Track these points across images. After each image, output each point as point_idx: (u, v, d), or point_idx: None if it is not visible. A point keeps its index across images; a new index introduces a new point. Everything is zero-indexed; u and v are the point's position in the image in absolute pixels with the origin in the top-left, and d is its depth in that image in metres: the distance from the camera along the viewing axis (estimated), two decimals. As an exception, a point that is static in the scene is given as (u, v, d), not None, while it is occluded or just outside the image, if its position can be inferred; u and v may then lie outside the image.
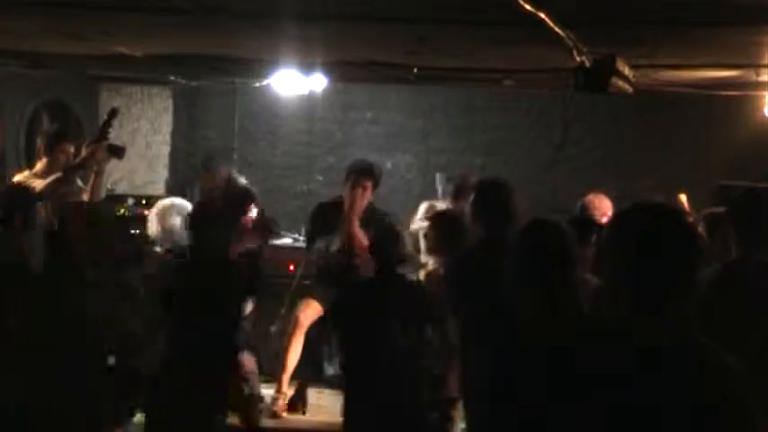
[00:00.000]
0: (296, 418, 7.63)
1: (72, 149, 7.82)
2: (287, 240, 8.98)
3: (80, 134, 10.30)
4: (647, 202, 2.97)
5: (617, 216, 3.08)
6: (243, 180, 8.82)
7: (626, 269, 2.83)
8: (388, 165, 11.32)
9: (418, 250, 8.26)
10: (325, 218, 7.56)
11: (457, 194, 8.45)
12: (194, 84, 10.64)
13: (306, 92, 10.01)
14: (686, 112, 10.25)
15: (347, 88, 11.09)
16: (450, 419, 6.38)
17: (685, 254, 2.83)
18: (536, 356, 3.09)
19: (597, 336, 2.87)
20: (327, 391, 8.21)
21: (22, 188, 6.95)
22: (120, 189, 10.90)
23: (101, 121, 7.76)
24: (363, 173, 7.52)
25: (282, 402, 7.71)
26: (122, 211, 10.22)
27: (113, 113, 7.71)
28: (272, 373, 7.94)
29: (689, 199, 7.69)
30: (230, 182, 8.43)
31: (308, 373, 8.19)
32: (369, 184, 7.47)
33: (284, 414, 7.67)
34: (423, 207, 9.16)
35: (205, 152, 8.74)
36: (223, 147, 11.45)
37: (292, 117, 11.42)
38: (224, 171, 8.44)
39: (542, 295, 4.17)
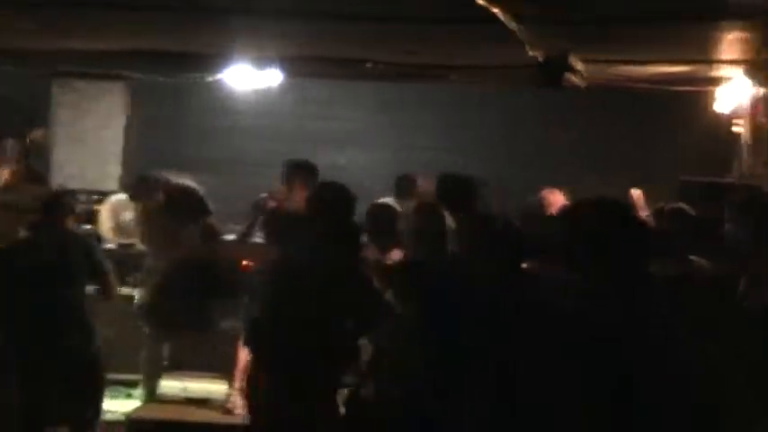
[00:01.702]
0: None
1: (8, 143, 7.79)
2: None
3: (31, 130, 10.22)
4: (595, 198, 2.97)
5: (566, 212, 3.08)
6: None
7: (575, 265, 2.84)
8: (342, 160, 11.29)
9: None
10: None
11: (400, 193, 8.37)
12: (148, 79, 10.56)
13: (262, 87, 9.96)
14: (646, 108, 10.30)
15: (303, 83, 11.04)
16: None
17: (633, 249, 2.83)
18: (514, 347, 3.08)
19: (559, 327, 2.86)
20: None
21: None
22: (73, 184, 10.79)
23: (52, 116, 7.71)
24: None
25: (236, 399, 7.65)
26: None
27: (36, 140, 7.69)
28: (225, 369, 7.89)
29: (653, 194, 7.70)
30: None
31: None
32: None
33: (239, 410, 7.62)
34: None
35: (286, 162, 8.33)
36: (177, 143, 11.37)
37: (247, 113, 11.35)
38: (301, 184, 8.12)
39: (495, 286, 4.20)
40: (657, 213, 6.16)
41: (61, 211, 6.90)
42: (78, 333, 6.73)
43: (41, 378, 6.59)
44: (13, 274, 6.56)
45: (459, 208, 6.00)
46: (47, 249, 6.68)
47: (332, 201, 5.49)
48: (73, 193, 7.58)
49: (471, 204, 6.39)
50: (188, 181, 8.33)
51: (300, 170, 7.71)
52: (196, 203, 7.97)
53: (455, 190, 6.56)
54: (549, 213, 6.90)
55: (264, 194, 7.68)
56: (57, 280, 6.63)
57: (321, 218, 5.34)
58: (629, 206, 3.40)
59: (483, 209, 6.33)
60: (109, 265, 7.10)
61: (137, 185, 8.59)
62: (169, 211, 7.91)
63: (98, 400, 7.05)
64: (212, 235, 7.79)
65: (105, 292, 7.05)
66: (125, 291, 8.00)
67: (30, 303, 6.52)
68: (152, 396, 7.96)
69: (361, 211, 7.82)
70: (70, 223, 7.03)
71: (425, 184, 7.98)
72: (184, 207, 7.89)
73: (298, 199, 7.53)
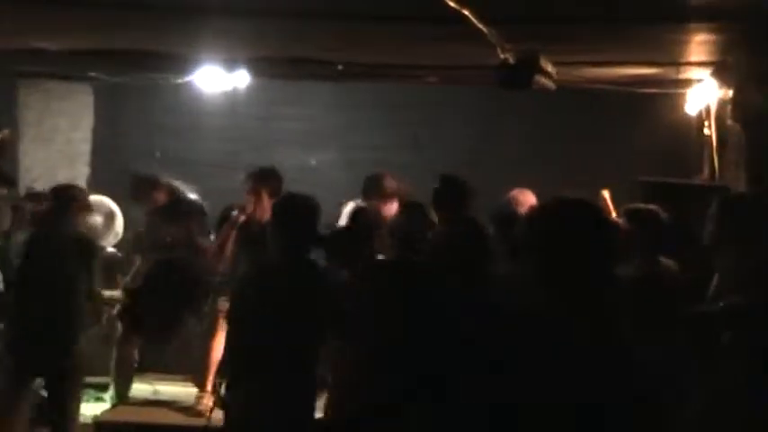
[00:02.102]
0: (221, 417, 7.54)
1: None
2: (210, 238, 8.91)
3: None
4: (564, 198, 2.95)
5: (535, 212, 3.04)
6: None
7: (544, 266, 2.82)
8: (313, 162, 11.28)
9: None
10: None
11: (367, 192, 8.33)
12: (115, 80, 10.50)
13: (229, 88, 9.93)
14: (610, 109, 10.33)
15: (271, 85, 11.01)
16: None
17: (602, 250, 2.82)
18: (470, 352, 3.08)
19: (523, 334, 2.85)
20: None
21: None
22: (40, 186, 10.71)
23: (19, 117, 7.68)
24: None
25: (207, 401, 7.64)
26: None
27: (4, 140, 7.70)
28: (196, 371, 7.88)
29: (612, 195, 7.76)
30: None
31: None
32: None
33: (209, 413, 7.59)
34: (348, 207, 9.08)
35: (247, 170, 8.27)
36: (145, 144, 11.32)
37: (215, 114, 11.31)
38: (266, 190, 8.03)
39: (458, 291, 4.21)
40: (626, 214, 6.18)
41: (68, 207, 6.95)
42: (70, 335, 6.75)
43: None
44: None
45: (449, 210, 6.04)
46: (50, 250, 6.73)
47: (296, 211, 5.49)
48: (80, 189, 7.61)
49: (463, 207, 6.41)
50: (183, 185, 8.41)
51: (265, 177, 7.75)
52: (198, 209, 8.08)
53: (447, 192, 6.60)
54: (519, 214, 6.90)
55: (235, 211, 7.73)
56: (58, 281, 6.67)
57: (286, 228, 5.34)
58: (601, 207, 3.40)
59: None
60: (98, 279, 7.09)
61: (138, 186, 8.60)
62: (171, 214, 7.99)
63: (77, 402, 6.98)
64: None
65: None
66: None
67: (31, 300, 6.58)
68: (122, 398, 7.94)
69: (331, 212, 7.91)
70: (81, 218, 7.09)
71: (392, 184, 7.98)
72: (188, 212, 7.98)
73: (265, 206, 7.59)
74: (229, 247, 7.64)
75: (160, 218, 8.30)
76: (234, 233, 7.68)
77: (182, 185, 8.74)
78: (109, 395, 8.28)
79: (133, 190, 8.68)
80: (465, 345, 3.63)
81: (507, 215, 6.48)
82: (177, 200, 8.52)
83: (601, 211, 3.01)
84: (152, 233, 8.38)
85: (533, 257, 2.87)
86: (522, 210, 7.14)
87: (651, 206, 6.14)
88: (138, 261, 8.47)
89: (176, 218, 8.23)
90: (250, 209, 7.61)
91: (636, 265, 5.66)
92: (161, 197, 8.44)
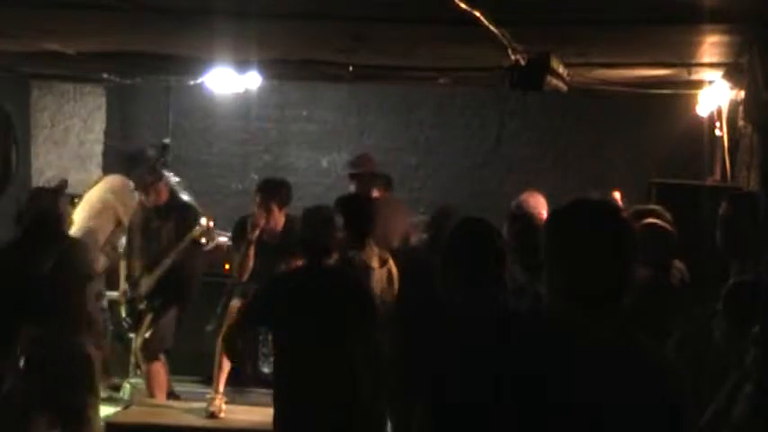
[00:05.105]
0: (233, 418, 7.56)
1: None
2: (222, 239, 8.92)
3: (9, 131, 10.18)
4: (585, 199, 2.92)
5: (557, 214, 3.00)
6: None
7: (567, 269, 2.79)
8: (324, 163, 11.30)
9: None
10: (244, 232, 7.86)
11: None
12: (128, 82, 10.53)
13: (241, 90, 9.94)
14: (621, 110, 10.34)
15: (282, 86, 11.04)
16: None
17: (626, 253, 2.79)
18: (479, 355, 3.06)
19: (543, 334, 2.83)
20: (264, 390, 8.23)
21: None
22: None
23: (31, 119, 7.69)
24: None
25: (219, 402, 7.64)
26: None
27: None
28: (207, 372, 7.88)
29: (622, 196, 7.76)
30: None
31: (245, 373, 8.25)
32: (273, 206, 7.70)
33: (221, 414, 7.61)
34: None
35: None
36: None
37: (227, 115, 11.34)
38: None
39: (472, 292, 4.19)
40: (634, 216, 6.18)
41: None
42: None
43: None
44: None
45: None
46: None
47: None
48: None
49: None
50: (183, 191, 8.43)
51: (274, 191, 7.82)
52: (194, 216, 8.12)
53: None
54: (531, 215, 6.89)
55: (250, 218, 7.82)
56: None
57: None
58: (622, 208, 3.35)
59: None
60: None
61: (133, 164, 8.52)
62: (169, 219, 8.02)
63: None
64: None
65: None
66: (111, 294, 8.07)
67: None
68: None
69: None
70: None
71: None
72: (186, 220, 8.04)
73: (276, 217, 7.67)
74: (250, 259, 7.71)
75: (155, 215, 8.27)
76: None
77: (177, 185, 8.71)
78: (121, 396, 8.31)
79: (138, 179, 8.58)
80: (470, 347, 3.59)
81: (517, 216, 6.46)
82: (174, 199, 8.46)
83: (622, 212, 2.97)
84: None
85: (556, 262, 2.83)
86: (533, 212, 7.13)
87: (655, 206, 6.15)
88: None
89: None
90: (262, 222, 7.69)
91: (646, 267, 5.65)
92: (163, 193, 8.35)
